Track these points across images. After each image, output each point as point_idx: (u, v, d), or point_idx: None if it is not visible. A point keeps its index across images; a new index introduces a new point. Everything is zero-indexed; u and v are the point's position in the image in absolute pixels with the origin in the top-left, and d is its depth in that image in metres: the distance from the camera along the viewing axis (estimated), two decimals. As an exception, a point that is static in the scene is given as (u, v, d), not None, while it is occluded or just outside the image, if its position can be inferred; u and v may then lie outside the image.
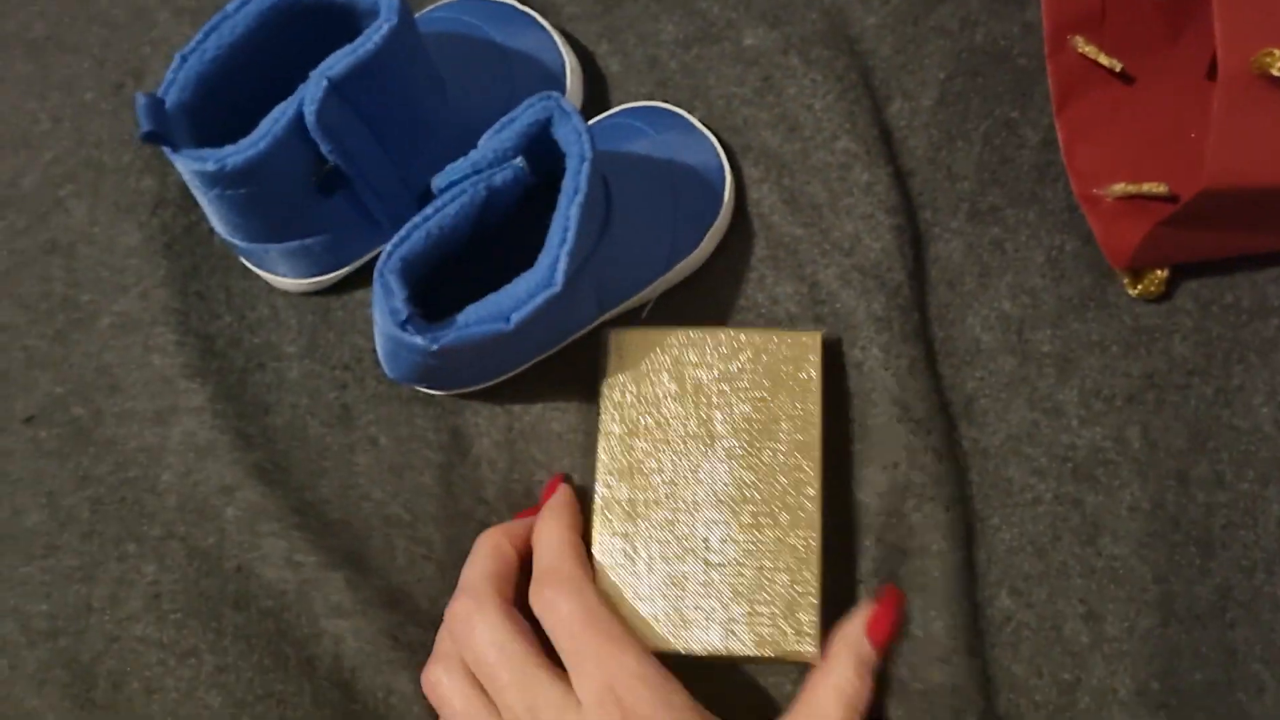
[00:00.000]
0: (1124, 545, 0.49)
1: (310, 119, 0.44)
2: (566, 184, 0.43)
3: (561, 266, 0.42)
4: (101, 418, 0.51)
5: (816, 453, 0.47)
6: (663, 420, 0.47)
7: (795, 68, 0.54)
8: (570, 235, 0.42)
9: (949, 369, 0.52)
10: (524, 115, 0.44)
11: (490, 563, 0.45)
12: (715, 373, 0.47)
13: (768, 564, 0.45)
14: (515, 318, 0.43)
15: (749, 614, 0.45)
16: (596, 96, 0.55)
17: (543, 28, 0.53)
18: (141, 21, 0.56)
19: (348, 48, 0.44)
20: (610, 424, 0.47)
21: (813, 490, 0.46)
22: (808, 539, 0.46)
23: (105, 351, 0.52)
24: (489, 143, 0.44)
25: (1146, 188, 0.51)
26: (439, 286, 0.47)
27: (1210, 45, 0.51)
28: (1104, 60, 0.52)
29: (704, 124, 0.53)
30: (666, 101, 0.54)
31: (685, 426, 0.47)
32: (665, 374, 0.47)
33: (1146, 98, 0.53)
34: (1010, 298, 0.52)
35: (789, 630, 0.45)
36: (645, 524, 0.46)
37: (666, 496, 0.46)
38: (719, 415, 0.47)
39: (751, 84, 0.54)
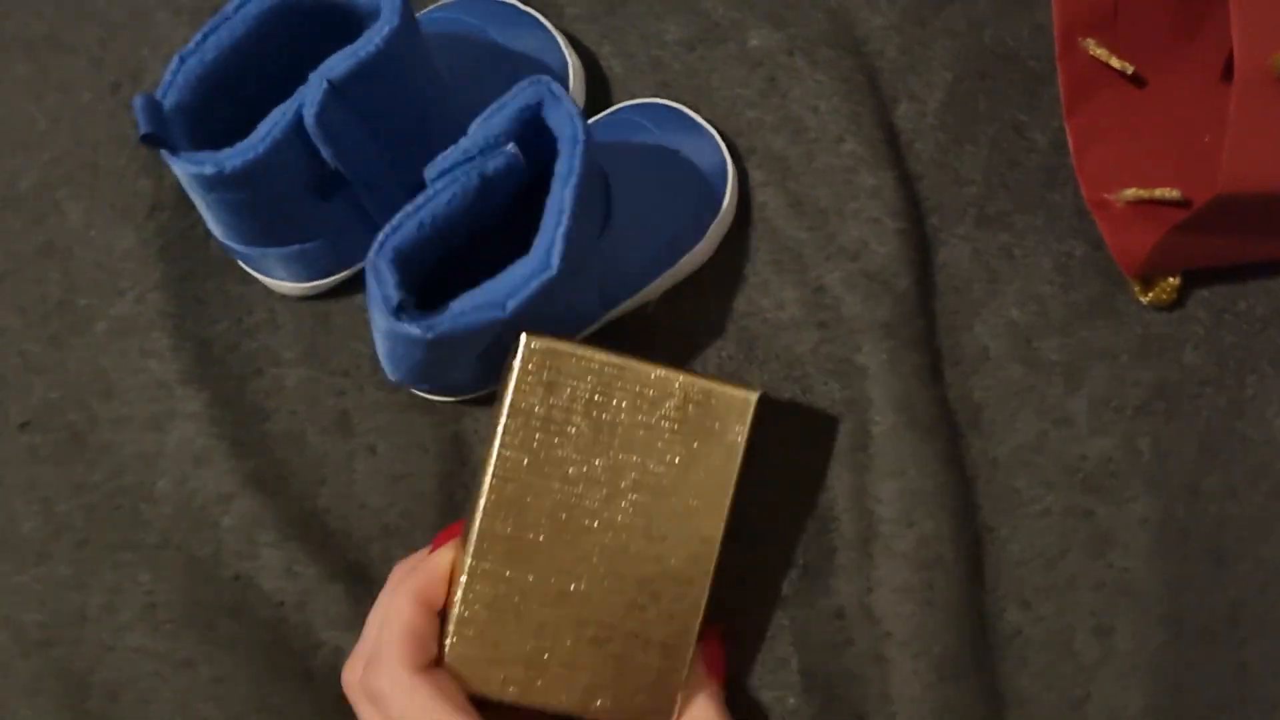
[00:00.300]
0: (1134, 558, 0.49)
1: (310, 121, 0.43)
2: (560, 167, 0.42)
3: (557, 250, 0.41)
4: (97, 424, 0.51)
5: (720, 524, 0.42)
6: (566, 455, 0.42)
7: (800, 69, 0.53)
8: (565, 218, 0.41)
9: (956, 377, 0.51)
10: (514, 100, 0.43)
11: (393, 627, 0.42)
12: (636, 414, 0.42)
13: (644, 634, 0.42)
14: (511, 304, 0.42)
15: (615, 680, 0.42)
16: (599, 98, 0.54)
17: (545, 29, 0.53)
18: (140, 22, 0.56)
19: (348, 49, 0.43)
20: (507, 445, 0.42)
21: (707, 567, 0.42)
22: (689, 618, 0.42)
23: (101, 356, 0.52)
24: (479, 129, 0.43)
25: (1159, 193, 0.50)
26: (438, 284, 0.46)
27: (1225, 47, 0.50)
28: (1115, 63, 0.51)
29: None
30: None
31: (589, 465, 0.42)
32: (581, 402, 0.42)
33: (1159, 101, 0.52)
34: (1018, 305, 0.52)
35: (651, 707, 0.42)
36: (523, 565, 0.42)
37: (551, 540, 0.42)
38: (629, 461, 0.42)
39: (756, 86, 0.54)
